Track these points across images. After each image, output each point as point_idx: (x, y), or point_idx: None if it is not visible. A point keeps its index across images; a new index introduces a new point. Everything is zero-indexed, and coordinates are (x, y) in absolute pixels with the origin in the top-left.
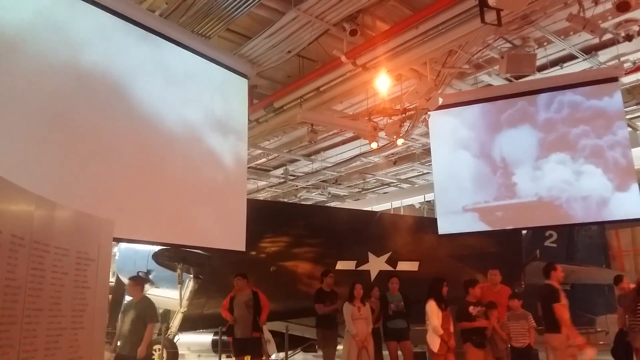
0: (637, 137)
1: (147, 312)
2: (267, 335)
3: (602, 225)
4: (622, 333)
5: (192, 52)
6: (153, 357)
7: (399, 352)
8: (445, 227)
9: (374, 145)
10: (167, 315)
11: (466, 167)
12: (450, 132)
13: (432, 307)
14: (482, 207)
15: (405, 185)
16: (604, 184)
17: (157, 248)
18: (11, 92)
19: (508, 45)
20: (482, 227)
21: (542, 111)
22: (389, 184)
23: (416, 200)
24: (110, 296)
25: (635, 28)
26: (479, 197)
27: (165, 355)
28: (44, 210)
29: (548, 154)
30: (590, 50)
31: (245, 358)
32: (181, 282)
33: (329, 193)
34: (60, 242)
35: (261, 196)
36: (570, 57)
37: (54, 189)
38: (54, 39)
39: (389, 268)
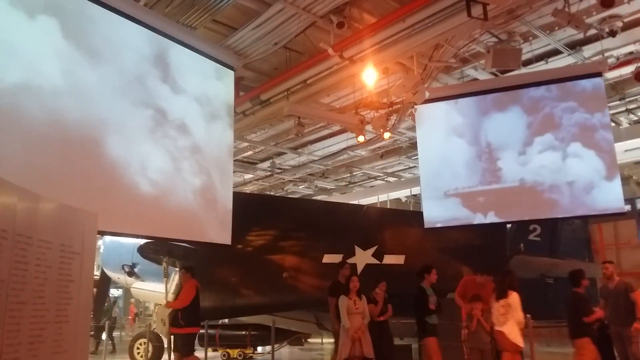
0: (620, 132)
1: None
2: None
3: (585, 219)
4: (604, 326)
5: (178, 43)
6: (139, 350)
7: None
8: (429, 214)
9: (361, 138)
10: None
11: (452, 152)
12: (437, 116)
13: (518, 300)
14: (464, 192)
15: (391, 179)
16: (593, 168)
17: (142, 241)
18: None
19: (494, 39)
20: (464, 213)
21: (531, 91)
22: (375, 178)
23: (402, 193)
24: (94, 289)
25: (619, 24)
26: (462, 183)
27: (151, 349)
28: (27, 203)
29: (535, 137)
30: (574, 46)
31: (230, 351)
32: (167, 276)
33: (316, 186)
34: (43, 235)
35: (248, 189)
36: (555, 52)
37: (37, 181)
38: (40, 25)
39: (376, 261)
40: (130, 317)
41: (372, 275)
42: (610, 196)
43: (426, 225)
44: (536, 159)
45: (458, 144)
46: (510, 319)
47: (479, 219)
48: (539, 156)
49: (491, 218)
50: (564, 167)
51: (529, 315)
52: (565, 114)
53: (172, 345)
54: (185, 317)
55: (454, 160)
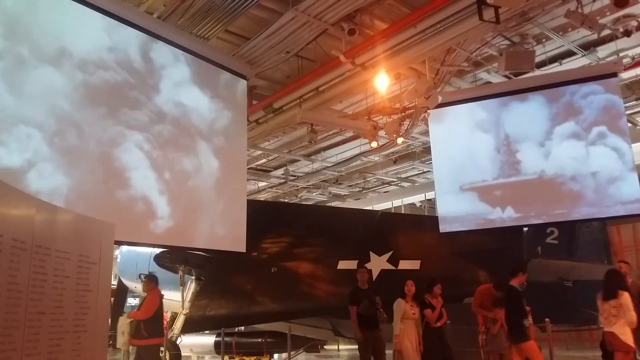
0: (637, 132)
1: None
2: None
3: (604, 220)
4: None
5: (191, 54)
6: None
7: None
8: (444, 209)
9: (374, 144)
10: None
11: (469, 145)
12: (455, 110)
13: (629, 299)
14: (481, 186)
15: (405, 184)
16: (618, 157)
17: (158, 250)
18: (17, 96)
19: (506, 42)
20: (482, 207)
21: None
22: (389, 183)
23: (417, 198)
24: (112, 299)
25: (634, 23)
26: (480, 176)
27: (168, 357)
28: (45, 214)
29: (557, 125)
30: (588, 47)
31: (246, 359)
32: (183, 284)
33: (330, 193)
34: (61, 245)
35: (262, 197)
36: (569, 54)
37: (55, 192)
38: (57, 45)
39: (391, 267)
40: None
41: (388, 280)
42: (634, 188)
43: (441, 225)
44: (558, 149)
45: (476, 137)
46: (621, 319)
47: (497, 213)
48: (562, 145)
49: (509, 212)
50: (587, 158)
51: (547, 319)
52: (589, 97)
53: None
54: (149, 327)
55: (472, 153)
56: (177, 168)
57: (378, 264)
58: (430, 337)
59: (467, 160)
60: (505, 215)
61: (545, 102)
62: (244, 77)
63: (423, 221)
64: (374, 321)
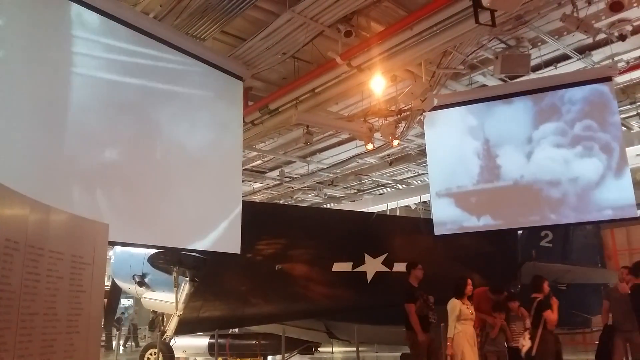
0: (631, 136)
1: None
2: None
3: (597, 224)
4: (610, 329)
5: (187, 54)
6: None
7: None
8: (438, 212)
9: (370, 146)
10: None
11: (461, 149)
12: (447, 114)
13: None
14: (455, 192)
15: (401, 186)
16: (604, 158)
17: (152, 251)
18: (10, 96)
19: (502, 45)
20: (458, 213)
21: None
22: (384, 185)
23: (412, 201)
24: (105, 300)
25: (629, 28)
26: (454, 182)
27: (161, 359)
28: (38, 214)
29: (540, 125)
30: (584, 50)
31: None
32: (177, 285)
33: (325, 194)
34: (55, 246)
35: (257, 198)
36: (564, 57)
37: (48, 192)
38: (52, 44)
39: (386, 269)
40: None
41: (382, 283)
42: (623, 194)
43: (436, 227)
44: (546, 152)
45: (467, 141)
46: None
47: (473, 220)
48: (549, 149)
49: (485, 220)
50: (569, 163)
51: None
52: (575, 92)
53: None
54: None
55: (462, 157)
56: (171, 168)
57: (373, 266)
58: (549, 343)
59: (458, 165)
60: (495, 222)
61: (531, 102)
62: (239, 78)
63: (418, 223)
64: (427, 322)
